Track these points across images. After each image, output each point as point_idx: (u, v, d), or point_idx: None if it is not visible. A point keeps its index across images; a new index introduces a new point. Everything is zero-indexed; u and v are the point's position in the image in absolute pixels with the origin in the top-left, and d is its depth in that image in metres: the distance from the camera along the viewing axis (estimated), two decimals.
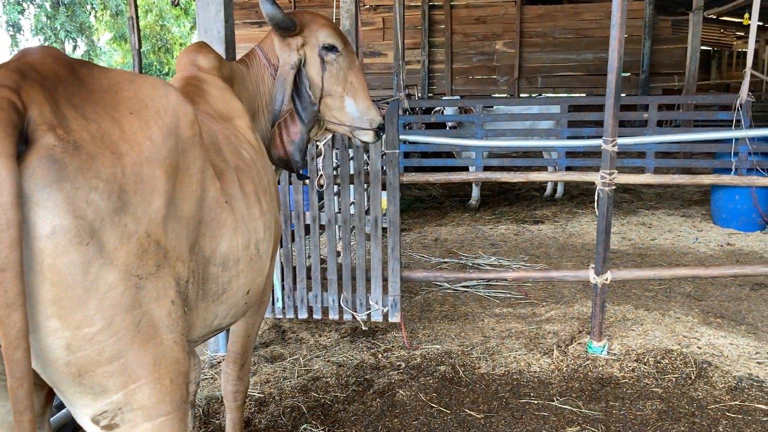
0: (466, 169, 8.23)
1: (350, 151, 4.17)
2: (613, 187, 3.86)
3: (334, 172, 4.17)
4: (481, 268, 5.90)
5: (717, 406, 3.38)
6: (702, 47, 13.55)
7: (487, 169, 8.06)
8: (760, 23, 13.94)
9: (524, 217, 8.14)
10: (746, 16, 6.73)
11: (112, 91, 1.50)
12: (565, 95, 13.67)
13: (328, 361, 3.97)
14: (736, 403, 3.41)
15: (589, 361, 3.88)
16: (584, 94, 13.64)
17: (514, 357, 3.99)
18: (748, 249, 6.51)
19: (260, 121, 2.67)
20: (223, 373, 2.69)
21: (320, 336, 4.39)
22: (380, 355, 4.06)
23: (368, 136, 2.83)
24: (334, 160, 4.24)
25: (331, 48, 2.64)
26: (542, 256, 6.35)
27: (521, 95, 14.07)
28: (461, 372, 3.81)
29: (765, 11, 7.73)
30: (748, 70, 6.47)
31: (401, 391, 3.57)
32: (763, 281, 5.40)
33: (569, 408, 3.38)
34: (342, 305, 4.23)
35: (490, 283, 5.42)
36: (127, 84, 1.54)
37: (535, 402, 3.45)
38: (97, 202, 1.31)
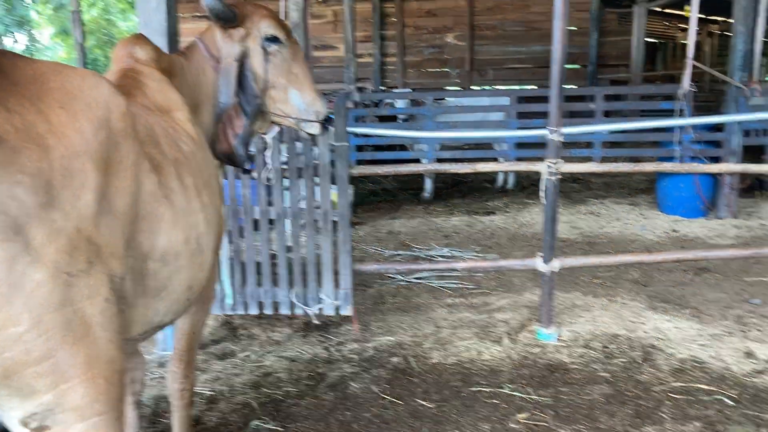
0: (418, 161, 8.26)
1: (299, 144, 4.13)
2: (559, 176, 3.92)
3: (283, 166, 4.14)
4: (434, 260, 5.93)
5: (662, 387, 3.47)
6: (648, 39, 13.86)
7: (439, 161, 8.11)
8: (702, 15, 14.29)
9: (476, 209, 8.21)
10: (686, 8, 6.89)
11: (38, 82, 1.45)
12: (516, 87, 13.83)
13: (279, 357, 3.94)
14: (680, 384, 3.51)
15: (538, 348, 3.94)
16: (535, 86, 13.82)
17: (466, 346, 4.03)
18: (693, 235, 6.69)
19: (203, 114, 2.61)
20: (169, 372, 2.64)
21: (272, 331, 4.35)
22: (333, 349, 4.05)
23: (315, 129, 2.81)
24: (283, 153, 4.20)
25: (274, 39, 2.61)
26: (494, 247, 6.41)
27: (473, 88, 14.19)
28: (413, 363, 3.82)
29: (705, 3, 7.94)
30: (689, 60, 6.65)
31: (354, 384, 3.57)
32: (706, 266, 5.56)
33: (519, 395, 3.43)
34: (293, 300, 4.20)
35: (442, 274, 5.46)
36: (53, 75, 1.49)
37: (486, 390, 3.49)
38: (21, 197, 1.27)
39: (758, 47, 6.74)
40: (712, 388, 3.44)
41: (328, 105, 2.93)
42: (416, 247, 6.38)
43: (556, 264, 4.04)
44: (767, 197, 8.06)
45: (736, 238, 6.54)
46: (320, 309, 4.20)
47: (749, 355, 3.82)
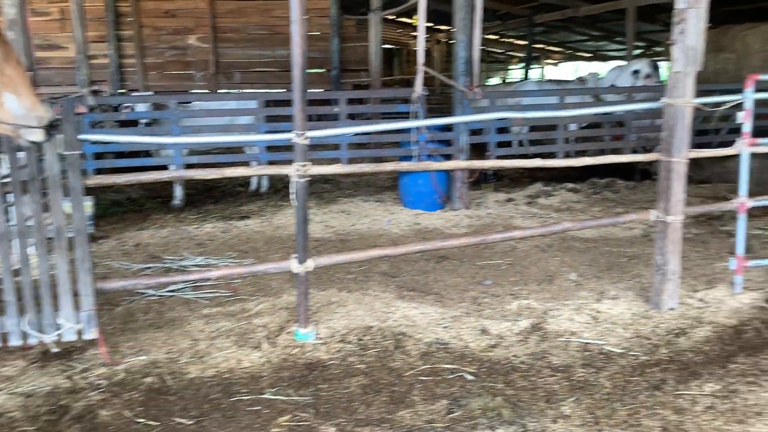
0: (165, 168, 7.89)
1: (22, 154, 3.70)
2: (308, 179, 4.00)
3: (4, 180, 3.67)
4: (187, 270, 5.70)
5: (412, 372, 3.72)
6: (384, 45, 14.77)
7: (189, 167, 7.82)
8: (429, 24, 15.61)
9: (231, 214, 8.06)
10: (415, 17, 7.48)
11: None
12: (263, 91, 13.86)
13: (12, 394, 3.49)
14: (428, 366, 3.78)
15: (297, 349, 3.99)
16: (284, 90, 13.97)
17: (225, 356, 3.93)
18: (432, 227, 7.26)
19: None
20: None
21: (2, 366, 3.85)
22: (77, 377, 3.69)
23: (37, 135, 2.57)
24: (4, 165, 3.73)
25: None
26: (250, 251, 6.35)
27: (220, 91, 13.94)
28: (169, 380, 3.64)
29: (432, 13, 8.67)
30: (420, 66, 7.22)
31: (103, 412, 3.30)
32: (445, 254, 6.07)
33: (281, 398, 3.43)
34: (26, 329, 3.76)
35: (197, 284, 5.27)
36: None
37: (247, 398, 3.44)
38: None
39: (477, 54, 7.51)
40: (455, 367, 3.76)
41: (54, 110, 2.68)
42: (168, 259, 6.08)
43: (311, 264, 4.12)
44: (492, 188, 9.05)
45: (468, 227, 7.24)
46: (59, 335, 3.81)
47: (484, 331, 4.25)
